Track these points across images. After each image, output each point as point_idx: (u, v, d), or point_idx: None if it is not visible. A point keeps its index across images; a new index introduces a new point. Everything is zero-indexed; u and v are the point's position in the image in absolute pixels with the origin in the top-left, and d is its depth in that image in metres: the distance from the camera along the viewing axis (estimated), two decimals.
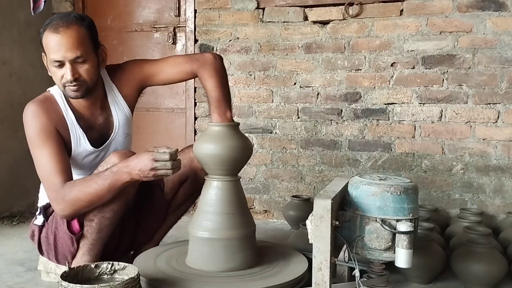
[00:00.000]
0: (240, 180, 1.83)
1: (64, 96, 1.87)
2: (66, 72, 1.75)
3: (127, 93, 2.00)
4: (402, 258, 1.48)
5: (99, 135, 1.94)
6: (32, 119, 1.79)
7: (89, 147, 1.89)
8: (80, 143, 1.87)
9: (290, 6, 3.11)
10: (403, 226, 1.47)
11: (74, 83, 1.77)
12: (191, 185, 2.06)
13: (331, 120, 3.07)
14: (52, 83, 1.88)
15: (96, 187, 1.70)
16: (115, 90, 1.98)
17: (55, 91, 1.89)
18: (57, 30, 1.73)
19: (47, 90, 1.93)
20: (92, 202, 1.72)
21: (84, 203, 1.72)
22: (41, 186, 1.99)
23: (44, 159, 1.76)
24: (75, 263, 1.80)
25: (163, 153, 1.64)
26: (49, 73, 1.86)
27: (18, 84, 3.24)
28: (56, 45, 1.73)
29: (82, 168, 1.93)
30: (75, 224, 1.80)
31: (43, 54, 1.84)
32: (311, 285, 1.46)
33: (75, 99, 1.86)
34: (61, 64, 1.75)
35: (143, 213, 2.06)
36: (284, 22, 3.13)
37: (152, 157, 1.65)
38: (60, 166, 1.76)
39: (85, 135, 1.88)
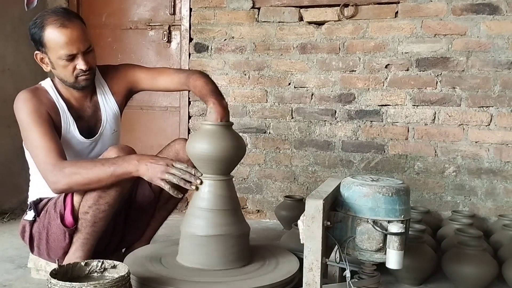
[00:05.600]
0: (233, 179, 1.83)
1: (55, 86, 1.93)
2: (79, 63, 1.82)
3: (117, 91, 2.07)
4: (393, 259, 1.48)
5: (87, 126, 1.98)
6: (24, 103, 1.81)
7: (78, 136, 1.93)
8: (70, 130, 1.91)
9: (285, 6, 3.11)
10: (395, 228, 1.47)
11: (88, 72, 1.86)
12: None
13: (325, 121, 3.08)
14: (44, 78, 1.88)
15: (99, 168, 1.71)
16: (105, 86, 2.05)
17: (45, 83, 1.95)
18: (65, 25, 1.79)
19: (39, 83, 1.97)
20: (90, 181, 1.71)
21: (81, 179, 1.70)
22: (31, 181, 1.99)
23: (38, 137, 1.77)
24: (67, 259, 1.80)
25: (180, 167, 1.73)
26: (47, 69, 1.90)
27: (11, 80, 3.21)
28: (68, 40, 1.79)
29: (73, 158, 1.92)
30: (69, 217, 1.79)
31: (37, 52, 1.88)
32: (302, 285, 1.46)
33: (77, 88, 1.92)
34: (72, 58, 1.82)
35: (131, 207, 2.07)
36: (279, 22, 3.13)
37: (169, 163, 1.72)
38: (54, 144, 1.76)
39: (75, 123, 1.92)
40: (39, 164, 1.78)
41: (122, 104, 2.12)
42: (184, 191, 1.80)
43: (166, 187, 1.72)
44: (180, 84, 2.05)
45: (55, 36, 1.79)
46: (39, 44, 1.83)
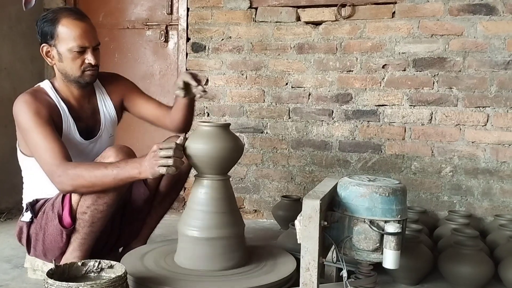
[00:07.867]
0: (230, 179, 1.83)
1: (54, 88, 1.94)
2: (88, 57, 1.87)
3: (114, 98, 2.10)
4: (389, 259, 1.49)
5: (85, 127, 1.98)
6: (25, 106, 1.80)
7: (78, 137, 1.93)
8: (70, 131, 1.91)
9: (282, 6, 3.12)
10: (391, 227, 1.48)
11: (95, 67, 1.90)
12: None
13: (322, 120, 3.08)
14: (41, 78, 1.88)
15: (103, 171, 1.69)
16: (104, 91, 2.08)
17: (45, 85, 1.95)
18: (80, 18, 1.85)
19: (37, 85, 1.97)
20: (93, 184, 1.70)
21: (85, 182, 1.70)
22: (25, 183, 1.99)
23: (41, 139, 1.76)
24: (64, 259, 1.80)
25: (167, 147, 1.67)
26: (52, 63, 1.91)
27: (7, 80, 3.20)
28: (83, 31, 1.85)
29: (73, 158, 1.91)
30: (67, 217, 1.79)
31: (44, 45, 1.88)
32: (299, 285, 1.46)
33: (79, 87, 1.95)
34: (82, 51, 1.86)
35: (127, 206, 2.07)
36: (276, 22, 3.13)
37: (158, 148, 1.68)
38: (58, 145, 1.76)
39: (75, 125, 1.93)
40: (44, 166, 1.77)
41: (118, 112, 2.13)
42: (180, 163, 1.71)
43: (165, 172, 1.64)
44: (162, 110, 2.13)
45: (69, 27, 1.83)
46: (49, 36, 1.85)
